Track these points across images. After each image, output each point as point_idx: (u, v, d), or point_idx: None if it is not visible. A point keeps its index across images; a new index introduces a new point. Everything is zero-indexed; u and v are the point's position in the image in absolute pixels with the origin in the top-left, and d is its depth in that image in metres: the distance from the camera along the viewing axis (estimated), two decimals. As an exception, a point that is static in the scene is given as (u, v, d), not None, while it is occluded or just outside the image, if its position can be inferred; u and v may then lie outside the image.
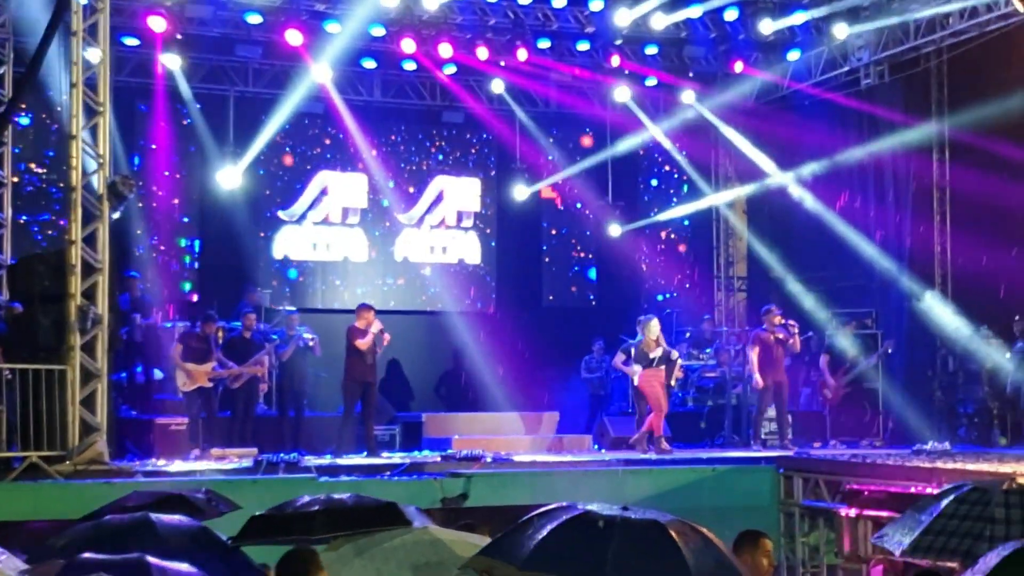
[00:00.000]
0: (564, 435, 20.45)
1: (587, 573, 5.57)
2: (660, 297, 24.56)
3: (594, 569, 5.56)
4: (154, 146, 21.34)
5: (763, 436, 19.54)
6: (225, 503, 8.82)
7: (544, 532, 5.76)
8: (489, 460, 16.57)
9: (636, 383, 18.75)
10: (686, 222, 25.01)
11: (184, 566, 5.31)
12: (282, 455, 16.10)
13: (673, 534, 5.73)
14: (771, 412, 19.66)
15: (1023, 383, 18.18)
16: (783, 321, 19.36)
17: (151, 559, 5.10)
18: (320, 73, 20.59)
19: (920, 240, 20.61)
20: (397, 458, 17.21)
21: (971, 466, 14.13)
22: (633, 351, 18.56)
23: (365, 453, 17.52)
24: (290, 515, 7.39)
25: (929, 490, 12.25)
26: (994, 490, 6.66)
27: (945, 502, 6.73)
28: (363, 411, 17.95)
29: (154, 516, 7.04)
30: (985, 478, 7.30)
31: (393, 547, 6.54)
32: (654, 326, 18.78)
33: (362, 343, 17.53)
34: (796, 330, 19.43)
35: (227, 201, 21.30)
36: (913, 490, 13.22)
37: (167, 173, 21.51)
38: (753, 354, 19.19)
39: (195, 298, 21.09)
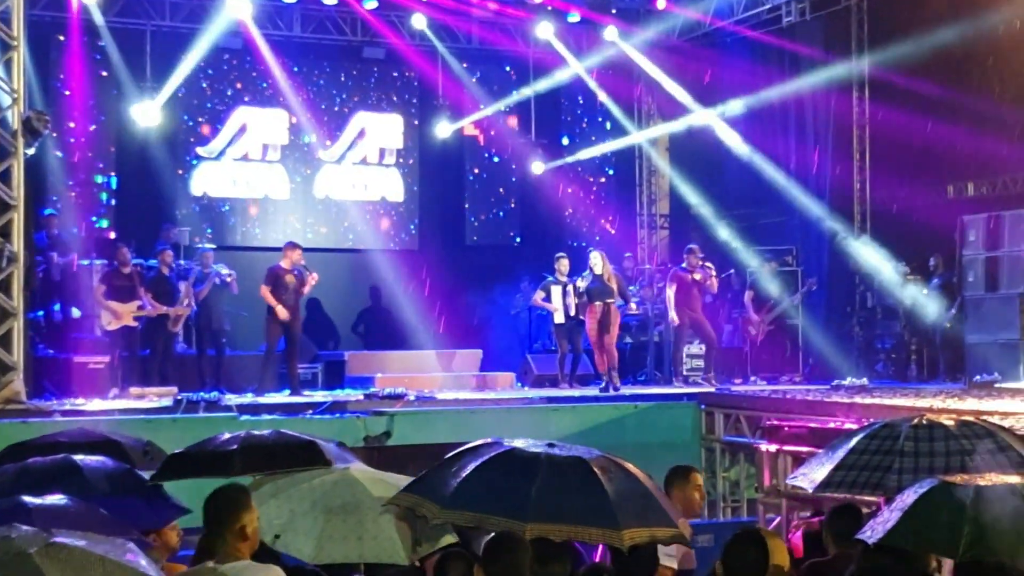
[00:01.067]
0: (487, 372, 20.50)
1: (509, 511, 5.57)
2: (582, 242, 24.51)
3: (516, 507, 5.57)
4: (70, 82, 20.96)
5: (684, 373, 19.66)
6: (160, 460, 8.69)
7: (467, 471, 5.77)
8: (412, 398, 16.57)
9: (556, 320, 18.90)
10: (609, 159, 25.00)
11: (58, 497, 5.28)
12: (202, 394, 15.99)
13: (596, 469, 5.75)
14: (694, 348, 19.78)
15: (939, 319, 18.42)
16: (701, 262, 19.44)
17: (27, 499, 5.05)
18: (239, 7, 20.31)
19: (840, 178, 20.73)
20: (319, 397, 17.14)
21: (888, 401, 14.30)
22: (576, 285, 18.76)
23: (287, 392, 17.44)
24: (209, 453, 7.32)
25: (848, 424, 12.39)
26: (903, 425, 6.76)
27: (856, 439, 6.83)
28: (286, 350, 17.86)
29: (79, 458, 6.95)
30: (901, 413, 7.39)
31: (310, 488, 6.49)
32: (563, 264, 19.11)
33: (279, 310, 17.42)
34: (713, 272, 19.53)
35: (144, 137, 20.99)
36: (832, 425, 13.36)
37: (83, 109, 21.13)
38: (670, 291, 19.26)
39: (113, 235, 20.79)
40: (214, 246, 19.77)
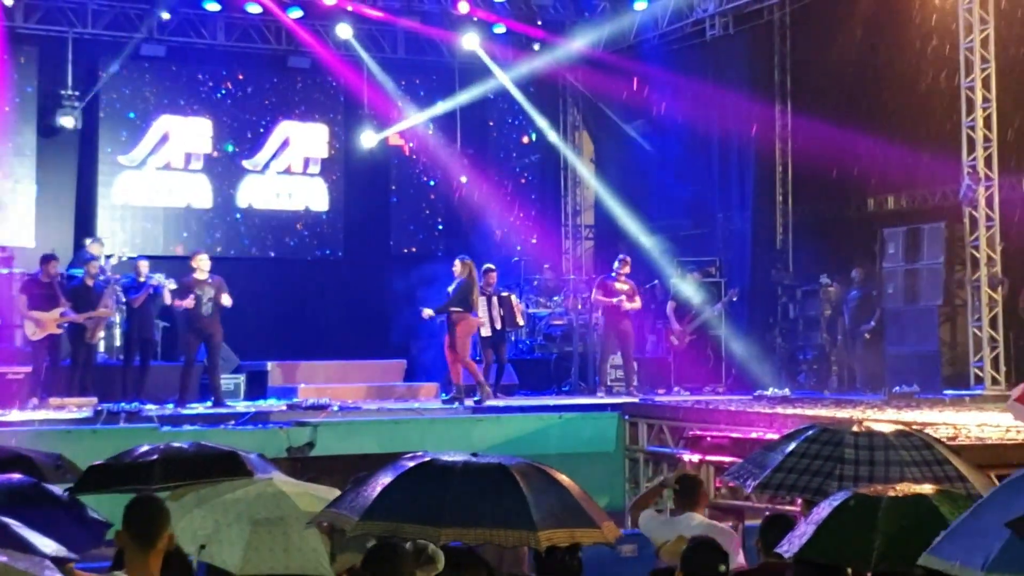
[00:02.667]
0: (411, 383, 20.48)
1: (422, 518, 5.60)
2: (510, 256, 24.53)
3: (430, 514, 5.60)
4: (-10, 89, 20.76)
5: (609, 383, 19.74)
6: (73, 473, 8.59)
7: (384, 483, 5.79)
8: (336, 409, 16.52)
9: (483, 333, 18.91)
10: (534, 170, 25.06)
11: None
12: (123, 405, 15.84)
13: (515, 474, 5.78)
14: (617, 359, 19.86)
15: (857, 330, 18.62)
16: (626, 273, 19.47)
17: None
18: (162, 15, 20.19)
19: (763, 190, 21.04)
20: (242, 407, 17.05)
21: (809, 411, 14.45)
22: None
23: (209, 402, 17.32)
24: (128, 464, 7.25)
25: (770, 435, 12.49)
26: (845, 432, 6.82)
27: (796, 442, 6.87)
28: (207, 360, 17.73)
29: None
30: (824, 423, 7.45)
31: (235, 499, 6.45)
32: (490, 277, 19.24)
33: (178, 304, 17.27)
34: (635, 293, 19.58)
35: (66, 145, 20.82)
36: (754, 435, 13.48)
37: (3, 117, 20.89)
38: (596, 293, 19.35)
39: (33, 245, 20.56)
40: (133, 256, 19.53)
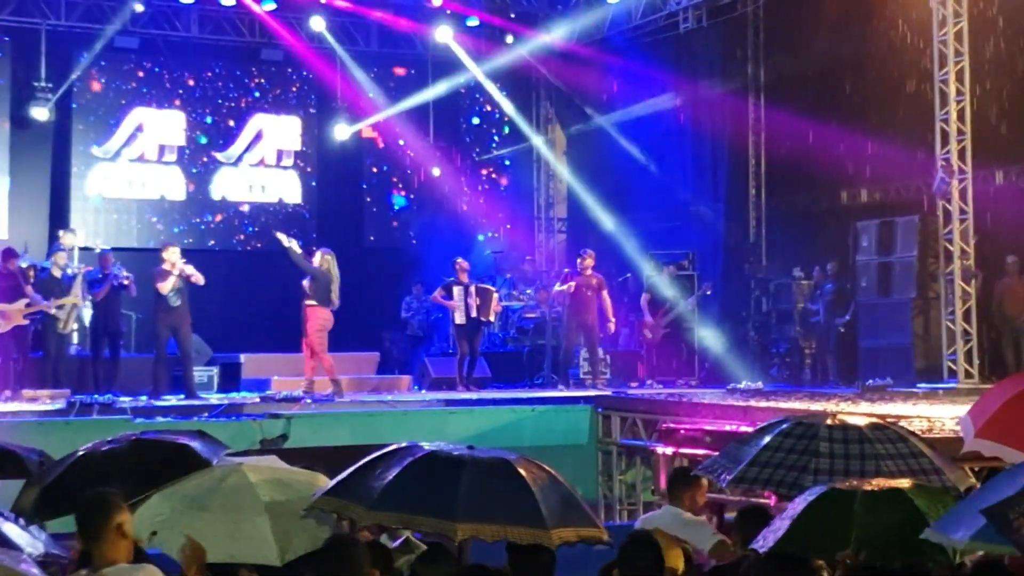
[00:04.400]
0: (384, 375, 20.47)
1: (437, 511, 5.61)
2: (481, 237, 24.57)
3: (444, 507, 5.61)
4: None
5: (582, 376, 19.72)
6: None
7: (392, 474, 5.78)
8: (309, 401, 16.49)
9: (457, 321, 18.92)
10: (507, 163, 25.09)
11: None
12: (96, 396, 15.79)
13: (521, 470, 5.79)
14: (586, 352, 19.89)
15: (831, 323, 18.67)
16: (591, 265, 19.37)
17: None
18: (135, 7, 20.14)
19: (736, 183, 21.06)
20: (215, 399, 17.01)
21: (783, 404, 14.47)
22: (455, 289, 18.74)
23: (183, 395, 17.26)
24: (83, 484, 6.94)
25: (743, 428, 12.52)
26: (819, 425, 6.82)
27: (770, 436, 6.86)
28: (179, 352, 17.67)
29: None
30: (798, 416, 7.45)
31: (196, 485, 6.38)
32: (464, 266, 19.30)
33: (162, 286, 17.09)
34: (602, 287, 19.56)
35: (39, 137, 20.76)
36: (728, 428, 13.49)
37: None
38: (559, 287, 19.30)
39: (6, 236, 20.48)
40: (107, 247, 19.45)
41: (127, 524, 5.72)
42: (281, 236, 17.86)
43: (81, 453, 7.10)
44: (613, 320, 19.36)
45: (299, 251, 17.69)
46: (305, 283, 17.56)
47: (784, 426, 6.96)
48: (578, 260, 19.47)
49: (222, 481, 6.46)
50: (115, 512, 5.70)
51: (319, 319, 17.57)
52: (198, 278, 17.14)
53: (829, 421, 6.87)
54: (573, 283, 19.09)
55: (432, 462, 5.89)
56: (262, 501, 6.26)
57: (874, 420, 7.23)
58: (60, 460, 7.26)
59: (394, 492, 5.73)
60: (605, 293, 19.29)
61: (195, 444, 7.01)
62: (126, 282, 17.85)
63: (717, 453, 7.45)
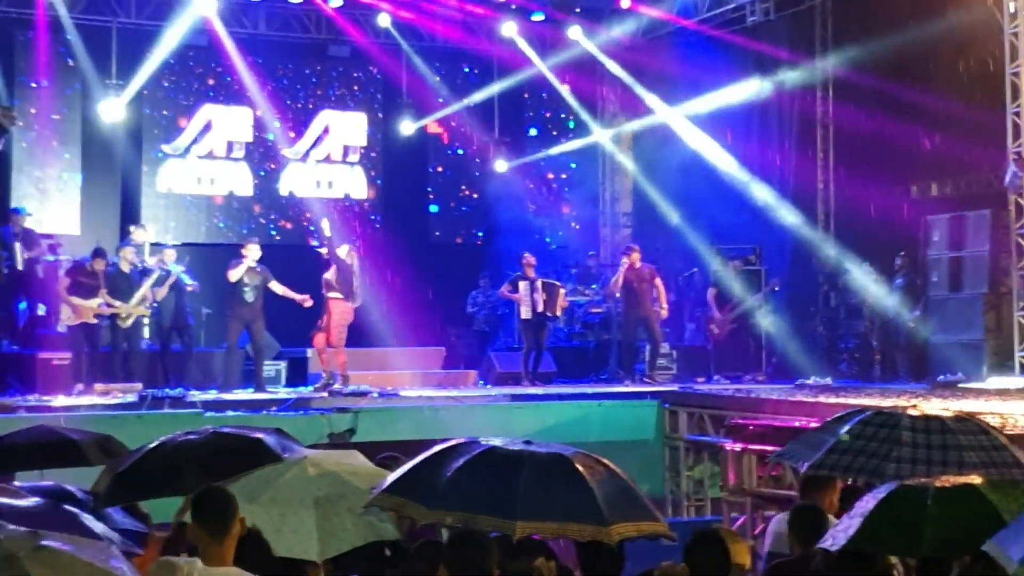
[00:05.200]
0: (450, 370, 20.52)
1: (497, 510, 5.58)
2: (548, 237, 24.52)
3: (504, 505, 5.58)
4: (35, 78, 20.90)
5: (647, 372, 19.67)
6: (120, 455, 8.53)
7: (450, 471, 5.76)
8: (376, 395, 16.57)
9: (523, 316, 18.95)
10: (572, 159, 25.02)
11: (35, 500, 5.15)
12: (167, 390, 15.96)
13: (579, 466, 5.77)
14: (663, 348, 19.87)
15: (902, 318, 18.50)
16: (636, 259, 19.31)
17: (3, 500, 4.93)
18: (204, 5, 20.28)
19: (804, 177, 20.84)
20: (283, 393, 17.14)
21: (852, 400, 14.35)
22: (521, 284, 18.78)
23: (252, 388, 17.40)
24: (157, 473, 7.12)
25: (811, 424, 12.44)
26: (900, 415, 6.76)
27: (849, 424, 6.81)
28: (252, 347, 17.82)
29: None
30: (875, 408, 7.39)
31: (287, 484, 6.44)
32: (530, 260, 19.33)
33: (230, 273, 17.33)
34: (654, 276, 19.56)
35: (110, 134, 20.96)
36: (796, 424, 13.42)
37: (49, 106, 21.06)
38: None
39: (79, 232, 20.72)
40: (176, 243, 19.64)
41: (243, 522, 5.69)
42: (325, 224, 17.91)
43: (158, 442, 7.21)
44: (665, 307, 19.34)
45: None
46: (329, 275, 17.45)
47: (864, 415, 6.91)
48: (624, 259, 19.43)
49: (282, 475, 6.50)
50: (238, 509, 5.66)
51: (343, 312, 17.50)
52: (278, 288, 17.35)
53: (910, 411, 6.81)
54: (619, 278, 19.09)
55: (490, 459, 5.87)
56: (314, 495, 6.29)
57: (957, 412, 7.15)
58: (138, 448, 7.38)
59: (453, 490, 5.71)
60: (658, 281, 19.32)
61: (269, 439, 7.09)
62: (188, 288, 17.99)
63: (810, 429, 7.37)
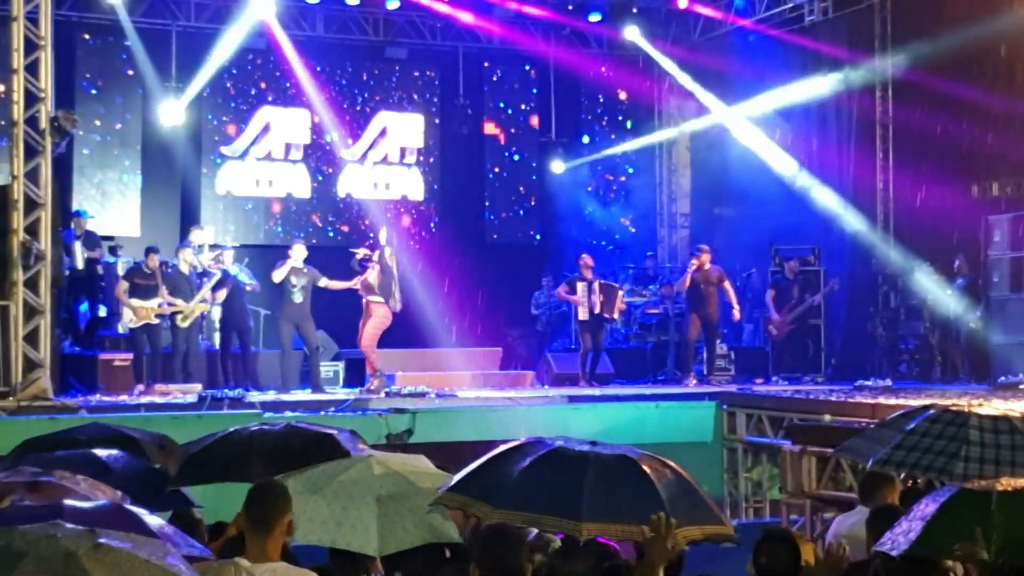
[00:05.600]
0: (507, 371, 20.53)
1: (562, 510, 5.57)
2: (604, 241, 24.48)
3: (569, 506, 5.57)
4: (96, 82, 21.12)
5: (705, 373, 19.63)
6: (176, 454, 8.65)
7: (516, 471, 5.75)
8: (433, 396, 16.61)
9: (581, 317, 18.97)
10: (629, 160, 24.96)
11: (99, 502, 5.21)
12: (226, 391, 16.08)
13: (645, 467, 5.75)
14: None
15: (962, 319, 18.34)
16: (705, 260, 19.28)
17: (67, 502, 4.99)
18: (263, 8, 20.43)
19: (863, 177, 20.69)
20: (342, 394, 17.20)
21: (913, 401, 14.23)
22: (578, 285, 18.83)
23: (310, 389, 17.49)
24: (227, 458, 7.26)
25: (871, 426, 12.35)
26: (968, 414, 6.68)
27: (915, 422, 6.74)
28: (305, 347, 17.92)
29: (102, 453, 7.00)
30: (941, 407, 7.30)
31: (351, 480, 6.48)
32: (587, 261, 19.30)
33: (274, 274, 17.46)
34: (620, 293, 19.65)
35: (169, 137, 21.15)
36: (856, 425, 13.33)
37: (109, 108, 21.27)
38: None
39: (139, 234, 20.91)
40: (235, 245, 19.76)
41: (291, 524, 5.74)
42: (384, 232, 17.92)
43: (232, 430, 7.33)
44: (737, 307, 19.31)
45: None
46: (372, 279, 17.33)
47: (931, 413, 6.83)
48: (693, 260, 19.39)
49: (346, 470, 6.55)
50: (289, 506, 5.71)
51: (384, 316, 17.50)
52: (326, 282, 17.45)
53: (978, 410, 6.74)
54: (687, 278, 19.07)
55: (556, 459, 5.84)
56: (377, 493, 6.32)
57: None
58: (212, 433, 7.51)
59: (519, 490, 5.69)
60: (727, 284, 19.27)
61: (341, 436, 7.17)
62: (248, 287, 18.11)
63: (871, 426, 7.28)
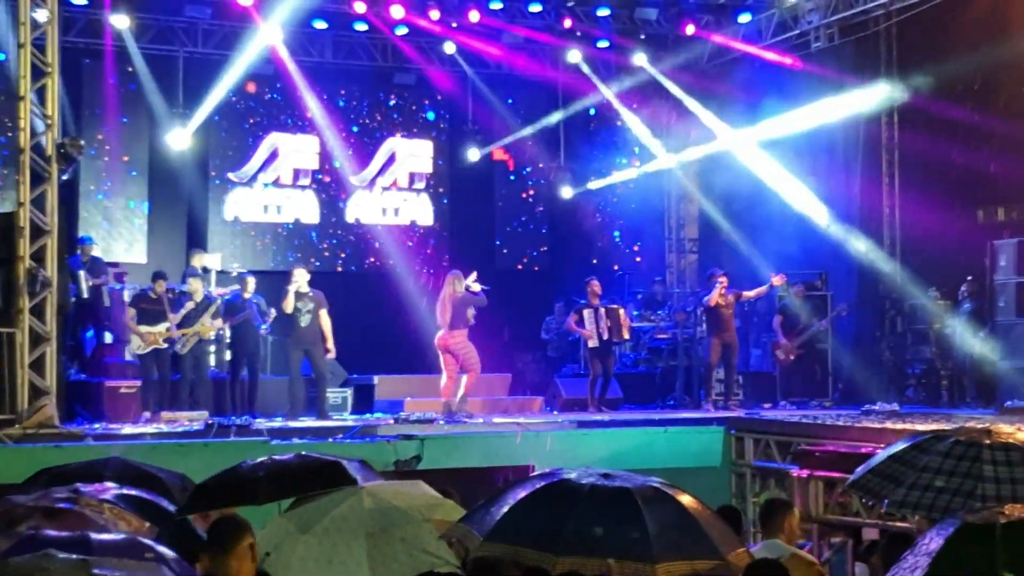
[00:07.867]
0: (516, 397, 20.51)
1: (541, 544, 5.59)
2: (615, 264, 24.49)
3: (548, 540, 5.59)
4: (103, 108, 21.19)
5: (714, 397, 19.61)
6: None
7: (512, 502, 5.79)
8: (442, 422, 16.59)
9: (591, 344, 18.96)
10: (638, 186, 24.95)
11: (121, 535, 5.25)
12: (233, 418, 16.06)
13: (639, 500, 5.74)
14: (720, 373, 19.76)
15: (969, 344, 18.31)
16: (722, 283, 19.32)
17: (94, 535, 4.99)
18: (270, 34, 20.48)
19: (869, 203, 20.71)
20: (350, 421, 17.19)
21: (920, 426, 14.22)
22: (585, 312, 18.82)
23: (315, 416, 17.48)
24: (235, 483, 7.32)
25: (879, 450, 12.32)
26: (980, 445, 6.62)
27: (928, 456, 6.70)
28: (313, 373, 17.93)
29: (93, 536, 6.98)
30: (950, 433, 7.22)
31: (342, 515, 6.49)
32: (595, 287, 19.51)
33: (284, 305, 17.51)
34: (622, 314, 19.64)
35: (177, 163, 21.21)
36: (864, 451, 13.31)
37: (116, 135, 21.35)
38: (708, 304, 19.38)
39: (145, 261, 20.94)
40: (242, 270, 19.78)
41: (255, 547, 5.85)
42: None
43: (245, 461, 7.43)
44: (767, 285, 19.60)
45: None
46: (471, 312, 18.03)
47: (941, 445, 6.79)
48: (721, 278, 19.35)
49: (337, 505, 6.57)
50: (247, 532, 5.86)
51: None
52: (325, 320, 17.62)
53: (988, 440, 6.69)
54: (717, 293, 19.06)
55: (551, 493, 5.88)
56: (367, 528, 6.34)
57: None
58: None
59: (507, 522, 5.75)
60: (746, 293, 19.72)
61: (351, 465, 7.20)
62: (269, 318, 18.09)
63: (879, 453, 7.24)
